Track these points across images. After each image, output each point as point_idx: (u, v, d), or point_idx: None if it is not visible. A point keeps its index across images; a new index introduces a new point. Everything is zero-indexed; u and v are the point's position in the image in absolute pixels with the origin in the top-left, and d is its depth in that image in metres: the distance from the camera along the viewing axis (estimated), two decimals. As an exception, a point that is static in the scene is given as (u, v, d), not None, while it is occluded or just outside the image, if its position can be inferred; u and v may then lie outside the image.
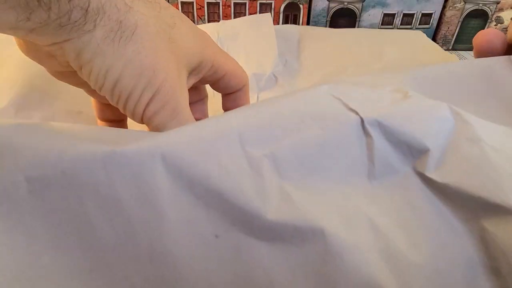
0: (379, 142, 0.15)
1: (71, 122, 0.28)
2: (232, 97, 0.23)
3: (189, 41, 0.19)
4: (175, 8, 0.20)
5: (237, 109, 0.16)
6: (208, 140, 0.14)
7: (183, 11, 0.48)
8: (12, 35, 0.15)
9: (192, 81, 0.21)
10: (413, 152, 0.15)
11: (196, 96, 0.24)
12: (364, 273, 0.13)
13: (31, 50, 0.18)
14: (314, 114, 0.16)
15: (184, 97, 0.19)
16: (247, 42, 0.35)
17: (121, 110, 0.18)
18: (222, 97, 0.24)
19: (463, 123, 0.16)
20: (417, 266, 0.13)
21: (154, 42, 0.17)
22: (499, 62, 0.20)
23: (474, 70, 0.20)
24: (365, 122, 0.15)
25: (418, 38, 0.39)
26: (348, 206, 0.14)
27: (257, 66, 0.34)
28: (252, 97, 0.34)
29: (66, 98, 0.27)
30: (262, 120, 0.15)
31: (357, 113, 0.16)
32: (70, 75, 0.18)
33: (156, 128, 0.18)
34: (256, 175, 0.14)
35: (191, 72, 0.20)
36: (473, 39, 0.23)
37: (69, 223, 0.13)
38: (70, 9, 0.15)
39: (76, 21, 0.15)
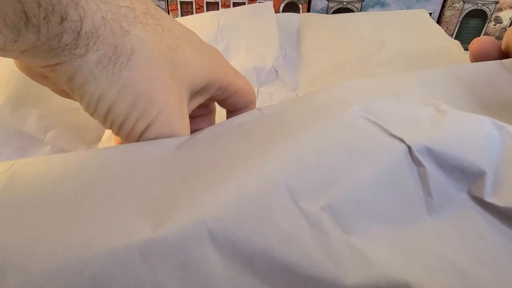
0: (432, 170, 0.14)
1: (68, 119, 0.27)
2: (239, 114, 0.23)
3: (194, 64, 0.18)
4: (182, 27, 0.19)
5: (272, 150, 0.15)
6: (256, 201, 0.13)
7: (182, 11, 0.48)
8: (2, 56, 0.15)
9: (198, 101, 0.20)
10: (468, 176, 0.14)
11: (204, 110, 0.23)
12: None
13: (25, 69, 0.17)
14: (360, 149, 0.14)
15: (183, 125, 0.18)
16: (248, 33, 0.35)
17: (114, 134, 0.17)
18: (227, 113, 0.23)
19: (509, 137, 0.15)
20: None
21: (151, 69, 0.16)
22: (495, 67, 0.20)
23: (476, 75, 0.20)
24: (414, 150, 0.14)
25: (420, 19, 0.37)
26: (421, 249, 0.13)
27: (258, 58, 0.34)
28: (252, 92, 0.34)
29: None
30: (307, 165, 0.14)
31: (402, 140, 0.14)
32: (68, 94, 0.18)
33: None
34: (320, 234, 0.12)
35: (196, 93, 0.19)
36: (469, 46, 0.24)
37: None
38: (61, 32, 0.14)
39: (67, 45, 0.14)
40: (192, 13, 0.48)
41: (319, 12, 0.49)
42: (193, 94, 0.19)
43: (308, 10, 0.49)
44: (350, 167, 0.14)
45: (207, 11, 0.48)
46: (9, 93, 0.27)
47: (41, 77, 0.17)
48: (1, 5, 0.12)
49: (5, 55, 0.14)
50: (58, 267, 0.11)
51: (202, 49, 0.19)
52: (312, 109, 0.17)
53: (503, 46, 0.23)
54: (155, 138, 0.17)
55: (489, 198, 0.14)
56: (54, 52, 0.14)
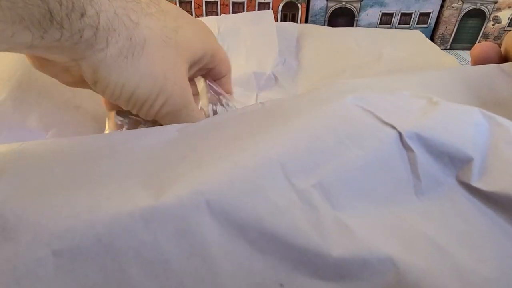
0: (421, 155, 0.15)
1: (69, 118, 0.27)
2: (219, 83, 0.26)
3: (193, 40, 0.20)
4: (177, 8, 0.21)
5: (267, 132, 0.15)
6: (251, 177, 0.13)
7: (181, 10, 0.48)
8: (30, 53, 0.16)
9: (195, 69, 0.22)
10: (455, 162, 0.15)
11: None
12: None
13: (46, 66, 0.19)
14: (351, 133, 0.15)
15: (189, 91, 0.20)
16: (248, 39, 0.35)
17: (134, 112, 0.19)
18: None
19: (498, 127, 0.15)
20: (491, 281, 0.12)
21: (162, 52, 0.18)
22: (493, 69, 0.21)
23: (473, 76, 0.21)
24: (404, 136, 0.15)
25: (416, 38, 0.39)
26: (405, 227, 0.14)
27: (258, 64, 0.34)
28: (252, 96, 0.34)
29: (64, 91, 0.27)
30: (300, 146, 0.14)
31: (393, 127, 0.15)
32: (82, 84, 0.19)
33: (168, 122, 0.20)
34: (309, 208, 0.13)
35: (194, 64, 0.22)
36: (470, 51, 0.25)
37: None
38: (82, 28, 0.15)
39: (88, 39, 0.16)
40: (191, 13, 0.48)
41: (318, 12, 0.50)
42: (192, 64, 0.22)
43: (307, 10, 0.49)
44: (340, 149, 0.15)
45: (206, 10, 0.48)
46: (12, 87, 0.26)
47: (62, 71, 0.19)
48: (28, 5, 0.14)
49: (33, 52, 0.16)
50: (65, 228, 0.12)
51: (196, 25, 0.22)
52: (310, 100, 0.18)
53: (502, 51, 0.24)
54: (172, 110, 0.19)
55: (475, 183, 0.14)
56: (78, 47, 0.16)
